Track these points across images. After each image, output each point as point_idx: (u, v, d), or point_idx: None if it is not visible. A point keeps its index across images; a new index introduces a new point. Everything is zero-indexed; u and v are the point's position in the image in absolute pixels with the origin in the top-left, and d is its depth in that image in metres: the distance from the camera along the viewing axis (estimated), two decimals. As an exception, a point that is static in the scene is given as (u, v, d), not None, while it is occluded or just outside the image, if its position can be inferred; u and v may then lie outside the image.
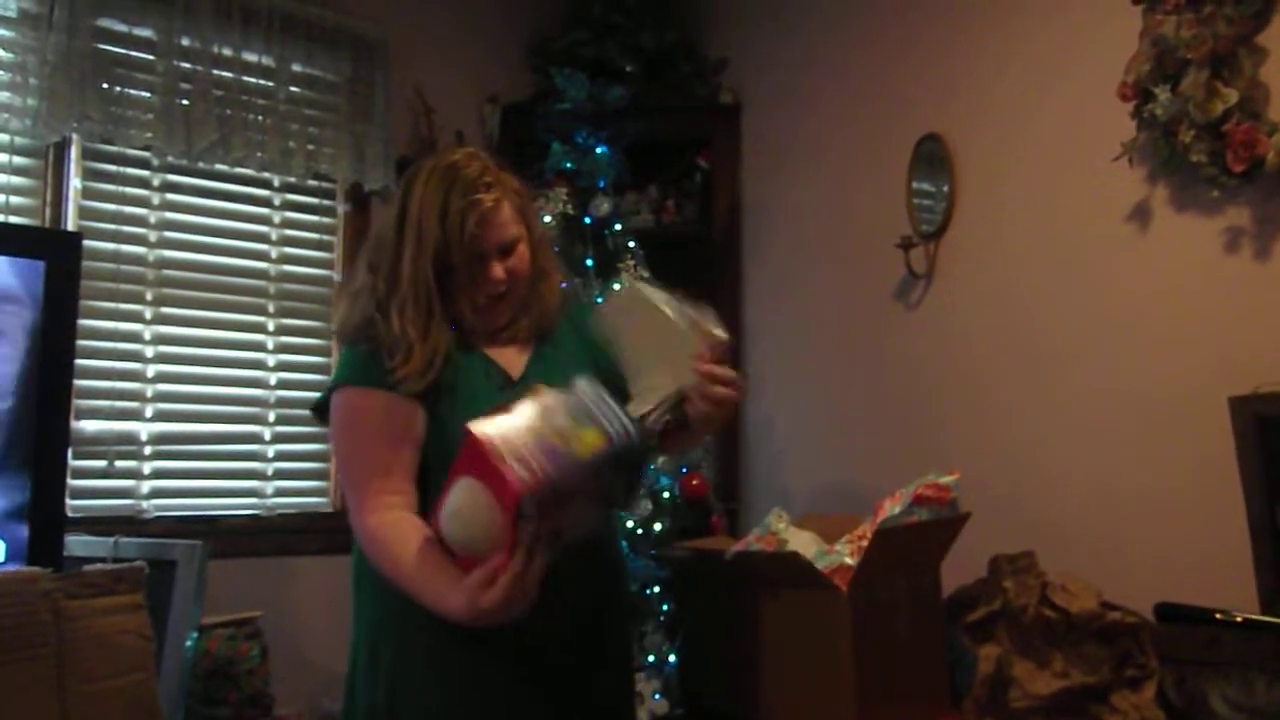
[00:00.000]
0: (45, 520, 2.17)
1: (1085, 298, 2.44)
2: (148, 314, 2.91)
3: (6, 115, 2.62)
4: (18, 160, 2.71)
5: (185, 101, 2.89)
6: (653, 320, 1.69)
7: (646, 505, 2.90)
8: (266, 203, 3.15)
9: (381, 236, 1.70)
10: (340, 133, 3.17)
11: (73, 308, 2.27)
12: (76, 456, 2.68)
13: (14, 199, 2.70)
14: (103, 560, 2.14)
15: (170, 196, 2.96)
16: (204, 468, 3.01)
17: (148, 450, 2.88)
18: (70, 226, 2.75)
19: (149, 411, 2.89)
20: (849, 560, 1.91)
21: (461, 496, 1.39)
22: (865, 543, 1.96)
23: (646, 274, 3.07)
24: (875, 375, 3.01)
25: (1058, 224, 2.51)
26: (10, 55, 2.64)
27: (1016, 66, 2.63)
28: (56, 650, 1.79)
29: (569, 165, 3.16)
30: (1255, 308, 2.11)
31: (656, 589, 2.86)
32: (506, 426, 1.36)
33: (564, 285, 1.86)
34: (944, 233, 2.79)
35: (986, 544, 2.17)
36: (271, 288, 3.13)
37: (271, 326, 3.13)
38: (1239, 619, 1.95)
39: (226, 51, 2.97)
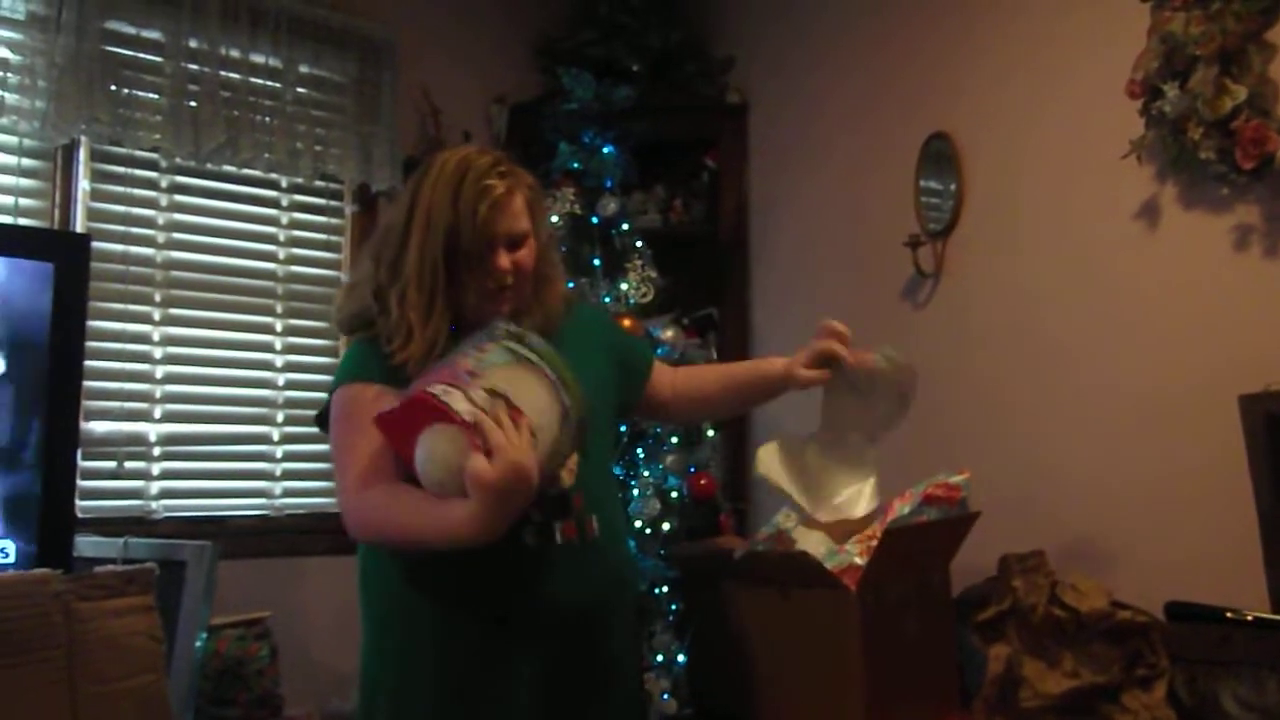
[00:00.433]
0: (55, 521, 2.17)
1: (1093, 296, 2.44)
2: (156, 315, 2.92)
3: (15, 117, 2.63)
4: (26, 162, 2.72)
5: (193, 103, 2.89)
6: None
7: (655, 505, 2.90)
8: (274, 204, 3.16)
9: (388, 227, 1.71)
10: (347, 134, 3.18)
11: (81, 309, 2.28)
12: (86, 457, 2.69)
13: (23, 201, 2.70)
14: (112, 561, 2.14)
15: (178, 198, 2.97)
16: (213, 468, 3.02)
17: (157, 451, 2.89)
18: (79, 228, 2.76)
19: (158, 412, 2.90)
20: (859, 560, 1.90)
21: (425, 445, 1.42)
22: (875, 543, 1.96)
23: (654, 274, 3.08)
24: (883, 374, 2.99)
25: (1066, 222, 2.50)
26: (18, 58, 2.65)
27: (1024, 64, 2.62)
28: (67, 652, 1.79)
29: (576, 165, 3.16)
30: (1265, 305, 2.10)
31: (665, 588, 2.86)
32: (426, 380, 1.46)
33: (567, 287, 1.87)
34: (952, 231, 2.78)
35: (996, 543, 2.17)
36: (279, 288, 3.14)
37: (279, 327, 3.13)
38: (1250, 618, 1.94)
39: (234, 53, 2.98)
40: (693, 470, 3.05)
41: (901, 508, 2.08)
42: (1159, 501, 2.26)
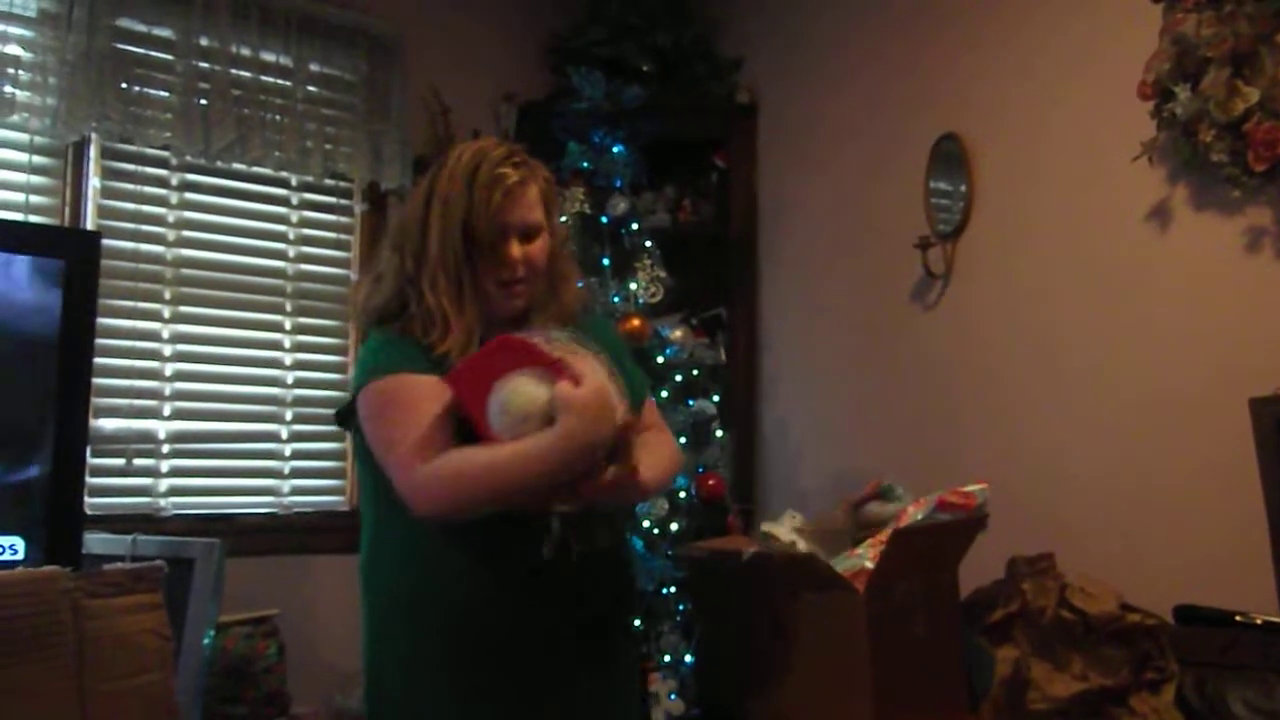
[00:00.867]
0: (64, 518, 2.17)
1: (1104, 298, 2.43)
2: (166, 313, 2.92)
3: (26, 115, 2.63)
4: (37, 160, 2.73)
5: (203, 101, 2.90)
6: None
7: (663, 505, 2.90)
8: (284, 202, 3.16)
9: (406, 218, 1.71)
10: (357, 132, 3.18)
11: (91, 307, 2.28)
12: (95, 455, 2.70)
13: (34, 198, 2.71)
14: (121, 558, 2.14)
15: (188, 196, 2.98)
16: (221, 466, 3.03)
17: (165, 448, 2.89)
18: (89, 226, 2.77)
19: (167, 410, 2.90)
20: (870, 564, 1.90)
21: (506, 386, 1.47)
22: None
23: (663, 273, 3.08)
24: (892, 375, 3.00)
25: (1076, 224, 2.50)
26: (30, 55, 2.66)
27: (1035, 65, 2.62)
28: (76, 649, 1.79)
29: (586, 165, 3.17)
30: (1276, 308, 2.09)
31: (673, 589, 2.86)
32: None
33: (580, 286, 1.87)
34: (962, 232, 2.78)
35: (1004, 545, 2.16)
36: (289, 286, 3.14)
37: (289, 325, 3.14)
38: (1259, 621, 1.94)
39: (244, 51, 2.99)
40: (701, 471, 3.05)
41: (915, 513, 2.07)
42: (1168, 504, 2.26)
